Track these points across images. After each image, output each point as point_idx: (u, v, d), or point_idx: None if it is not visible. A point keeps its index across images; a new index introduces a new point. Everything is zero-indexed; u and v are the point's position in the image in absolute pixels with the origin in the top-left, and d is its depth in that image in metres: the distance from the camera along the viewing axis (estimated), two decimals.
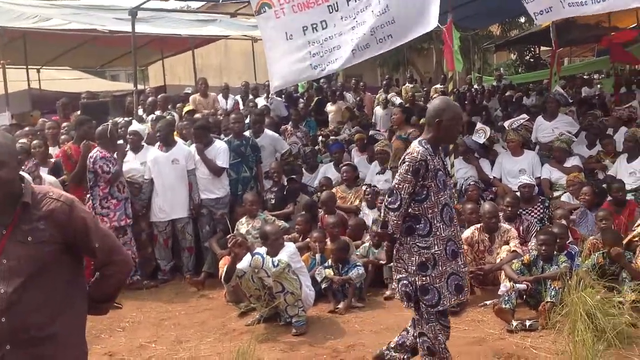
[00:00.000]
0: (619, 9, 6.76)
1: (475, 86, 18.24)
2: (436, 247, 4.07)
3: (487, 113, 12.29)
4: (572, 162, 8.34)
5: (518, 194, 7.48)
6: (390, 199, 4.08)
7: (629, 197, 7.28)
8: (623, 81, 14.72)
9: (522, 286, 5.76)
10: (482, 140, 8.80)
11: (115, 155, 7.33)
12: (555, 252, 5.97)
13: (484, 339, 5.35)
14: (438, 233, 4.07)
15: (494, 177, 8.52)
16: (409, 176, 4.00)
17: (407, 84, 17.21)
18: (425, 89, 17.93)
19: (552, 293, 5.50)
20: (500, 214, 6.85)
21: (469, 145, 8.64)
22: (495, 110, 13.28)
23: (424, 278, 4.08)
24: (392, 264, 4.34)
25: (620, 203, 7.06)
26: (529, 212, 7.35)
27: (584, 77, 20.09)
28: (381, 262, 6.45)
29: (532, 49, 24.70)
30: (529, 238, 6.72)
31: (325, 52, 7.66)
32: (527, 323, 5.46)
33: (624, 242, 6.05)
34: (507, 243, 6.54)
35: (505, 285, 5.82)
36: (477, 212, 6.98)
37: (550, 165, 8.38)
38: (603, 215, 6.57)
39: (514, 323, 5.46)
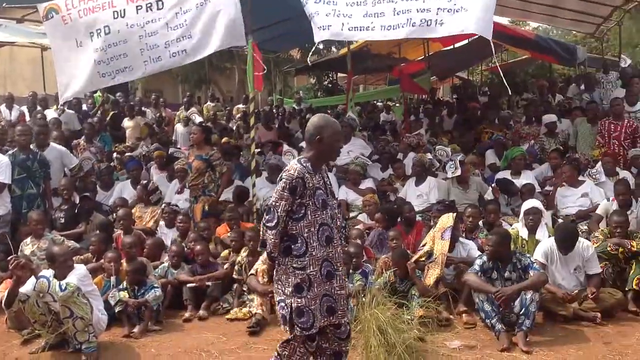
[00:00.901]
0: (395, 38, 7.29)
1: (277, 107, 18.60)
2: (311, 267, 4.00)
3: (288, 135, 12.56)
4: (366, 184, 8.78)
5: None
6: (267, 216, 3.99)
7: (417, 218, 7.77)
8: (412, 109, 15.86)
9: None
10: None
11: None
12: (351, 271, 6.18)
13: None
14: (314, 253, 4.01)
15: None
16: (285, 194, 3.93)
17: (208, 103, 17.07)
18: (227, 108, 17.95)
19: None
20: None
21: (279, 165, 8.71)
22: (296, 132, 13.62)
23: (299, 300, 3.99)
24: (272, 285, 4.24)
25: (410, 223, 7.51)
26: None
27: (378, 104, 21.39)
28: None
29: (330, 75, 25.75)
30: None
31: (111, 59, 7.41)
32: None
33: (412, 260, 6.43)
34: None
35: None
36: None
37: (347, 187, 8.75)
38: (393, 235, 6.96)
39: None
